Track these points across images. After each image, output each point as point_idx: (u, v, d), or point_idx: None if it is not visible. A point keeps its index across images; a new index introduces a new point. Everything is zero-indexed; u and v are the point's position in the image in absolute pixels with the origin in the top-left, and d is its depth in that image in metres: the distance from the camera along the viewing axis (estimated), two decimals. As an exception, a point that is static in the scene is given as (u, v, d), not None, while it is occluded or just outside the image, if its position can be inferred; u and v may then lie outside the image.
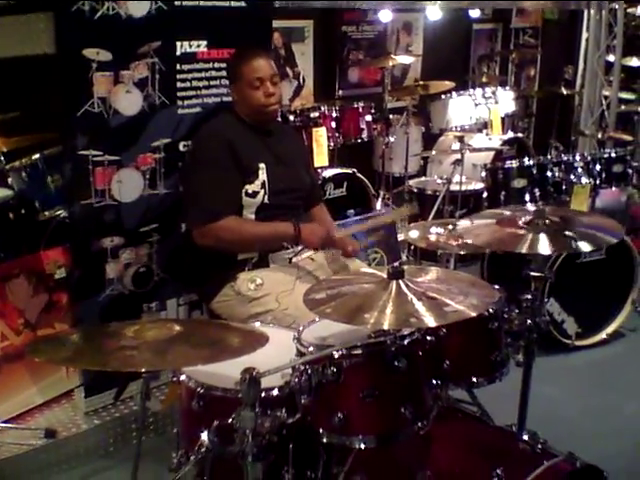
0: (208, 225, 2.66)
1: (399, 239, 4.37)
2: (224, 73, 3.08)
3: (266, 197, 2.74)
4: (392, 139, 5.28)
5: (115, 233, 2.99)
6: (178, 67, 3.01)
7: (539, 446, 1.96)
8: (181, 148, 3.07)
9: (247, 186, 2.72)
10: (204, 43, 3.06)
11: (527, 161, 4.20)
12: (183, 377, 1.95)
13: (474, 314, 1.72)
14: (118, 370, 1.65)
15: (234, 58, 2.92)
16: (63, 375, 3.16)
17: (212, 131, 2.83)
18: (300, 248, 2.79)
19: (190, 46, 3.02)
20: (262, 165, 2.75)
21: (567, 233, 2.16)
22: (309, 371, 1.82)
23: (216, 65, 3.12)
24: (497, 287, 2.18)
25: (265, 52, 2.91)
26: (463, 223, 2.41)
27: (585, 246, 2.15)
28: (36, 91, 2.96)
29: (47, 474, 2.82)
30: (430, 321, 1.67)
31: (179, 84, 3.03)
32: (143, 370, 1.71)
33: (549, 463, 1.87)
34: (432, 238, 2.80)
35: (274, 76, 2.79)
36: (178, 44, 2.98)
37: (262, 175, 2.74)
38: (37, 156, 3.28)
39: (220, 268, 2.76)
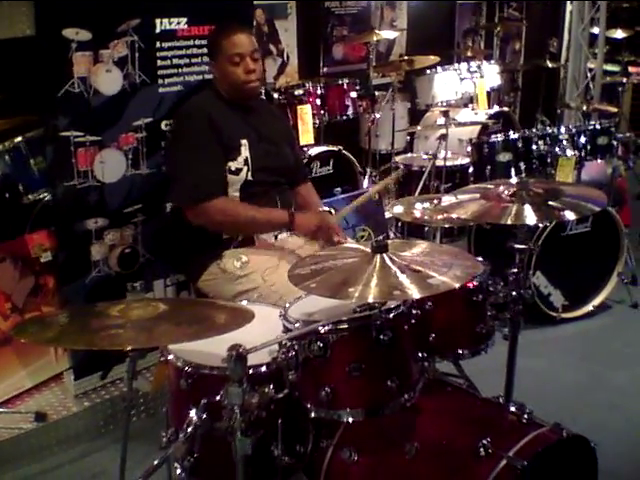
0: (200, 204, 2.65)
1: (386, 216, 4.37)
2: (205, 50, 3.05)
3: (249, 174, 2.73)
4: (378, 116, 5.27)
5: (99, 214, 2.98)
6: (158, 45, 2.98)
7: (525, 416, 1.97)
8: (163, 127, 3.05)
9: (230, 163, 2.71)
10: (184, 20, 3.03)
11: (512, 135, 4.20)
12: (171, 356, 1.95)
13: (457, 285, 1.73)
14: (104, 349, 1.65)
15: (214, 33, 2.89)
16: (52, 358, 3.17)
17: (193, 108, 2.80)
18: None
19: (170, 23, 2.99)
20: (244, 141, 2.73)
21: (551, 203, 2.16)
22: (296, 347, 1.84)
23: (197, 42, 3.09)
24: (481, 259, 2.19)
25: (246, 28, 2.87)
26: (447, 198, 2.41)
27: (570, 215, 2.16)
28: (17, 74, 2.93)
29: (38, 457, 2.82)
30: (414, 293, 1.67)
31: (159, 62, 3.00)
32: (129, 348, 1.70)
33: (535, 432, 1.89)
34: (417, 214, 2.80)
35: (255, 52, 2.75)
36: (157, 21, 2.95)
37: (244, 152, 2.72)
38: (20, 139, 3.24)
39: (205, 247, 2.76)
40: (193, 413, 1.78)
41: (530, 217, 2.14)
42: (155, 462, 1.80)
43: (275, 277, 2.61)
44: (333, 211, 3.00)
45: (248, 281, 2.67)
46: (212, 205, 2.65)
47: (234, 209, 2.71)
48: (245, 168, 2.72)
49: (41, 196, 3.21)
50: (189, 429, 1.78)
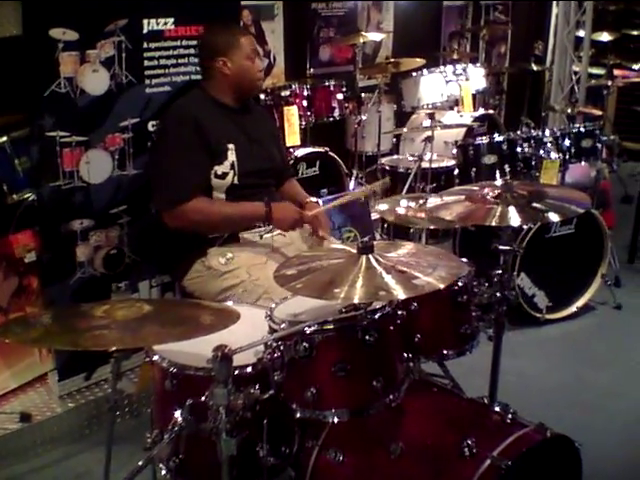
0: (177, 207, 2.64)
1: (372, 218, 4.38)
2: (192, 51, 3.05)
3: (235, 178, 2.72)
4: (364, 117, 5.27)
5: (84, 215, 2.96)
6: (145, 45, 2.97)
7: (509, 417, 1.99)
8: (150, 128, 3.04)
9: (216, 167, 2.69)
10: (172, 20, 3.03)
11: (497, 137, 4.23)
12: (156, 357, 1.95)
13: (442, 286, 1.74)
14: (88, 349, 1.65)
15: (227, 30, 2.83)
16: (36, 359, 3.15)
17: (179, 111, 2.78)
18: (271, 227, 2.79)
19: (157, 24, 2.99)
20: (231, 146, 2.72)
21: (535, 205, 2.18)
22: (281, 347, 1.84)
23: (184, 43, 3.08)
24: (466, 260, 2.20)
25: None
26: (433, 200, 2.42)
27: (554, 216, 2.19)
28: (3, 73, 2.91)
29: (22, 458, 2.81)
30: (399, 293, 1.68)
31: (146, 62, 2.99)
32: (114, 349, 1.70)
33: (519, 433, 1.90)
34: (401, 212, 2.81)
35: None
36: (145, 22, 2.95)
37: (231, 156, 2.72)
38: (4, 139, 3.21)
39: (190, 246, 2.75)
40: (178, 414, 1.79)
41: (514, 219, 2.16)
42: (140, 463, 1.79)
43: (260, 272, 2.62)
44: (320, 201, 2.99)
45: (233, 276, 2.67)
46: (188, 207, 2.63)
47: (209, 207, 2.69)
48: (231, 172, 2.71)
49: (25, 196, 3.19)
50: (174, 430, 1.78)
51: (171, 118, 2.79)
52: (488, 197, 2.27)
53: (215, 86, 2.81)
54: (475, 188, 2.43)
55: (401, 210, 2.79)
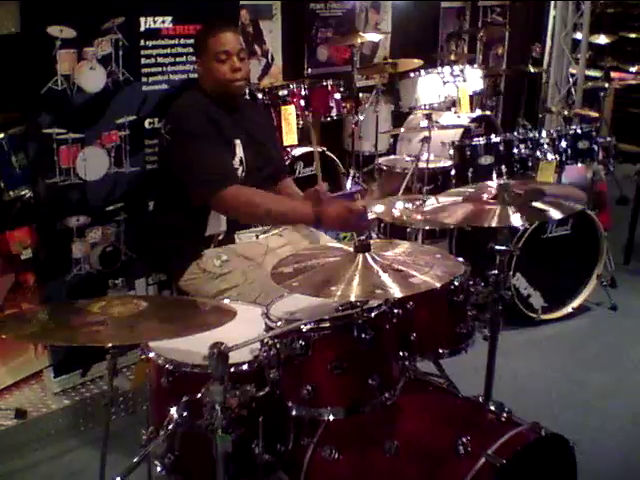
0: (223, 191, 2.54)
1: (369, 217, 4.38)
2: (190, 49, 3.05)
3: (243, 174, 2.71)
4: (361, 117, 5.28)
5: (81, 212, 2.97)
6: (142, 43, 2.98)
7: (504, 415, 1.99)
8: (146, 125, 3.05)
9: None
10: (169, 19, 3.03)
11: (494, 138, 4.23)
12: (152, 354, 1.95)
13: (438, 285, 1.74)
14: (84, 345, 1.65)
15: (201, 31, 2.85)
16: (32, 356, 3.15)
17: (190, 106, 2.71)
18: (268, 227, 2.78)
19: (155, 22, 2.99)
20: (237, 141, 2.71)
21: (535, 204, 2.19)
22: (277, 345, 1.84)
23: (182, 41, 3.09)
24: (462, 260, 2.20)
25: (233, 26, 2.84)
26: (430, 203, 2.42)
27: (555, 214, 2.18)
28: (0, 71, 2.92)
29: (18, 454, 2.81)
30: (396, 292, 1.68)
31: (143, 60, 3.00)
32: (110, 345, 1.70)
33: (514, 431, 1.91)
34: (397, 213, 2.81)
35: (241, 51, 2.72)
36: (142, 20, 2.95)
37: (239, 152, 2.70)
38: (1, 136, 3.21)
39: (186, 246, 2.74)
40: (174, 411, 1.78)
41: (516, 218, 2.16)
42: (135, 460, 1.79)
43: (255, 275, 2.61)
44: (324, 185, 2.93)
45: (228, 279, 2.66)
46: (228, 193, 2.54)
47: (251, 197, 2.58)
48: (240, 168, 2.70)
49: (22, 193, 3.19)
50: (169, 427, 1.78)
51: (184, 112, 2.71)
52: (488, 198, 2.27)
53: (204, 85, 2.78)
54: (472, 190, 2.43)
55: (397, 212, 2.79)
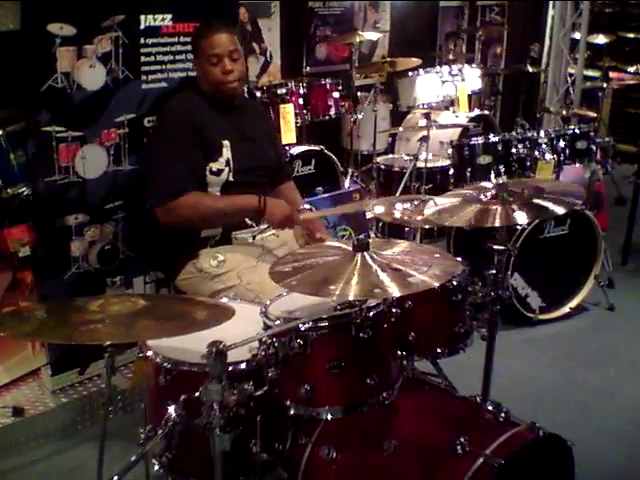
0: (168, 203, 2.60)
1: (367, 217, 4.39)
2: (190, 47, 3.04)
3: (230, 175, 2.71)
4: (360, 116, 5.28)
5: (80, 210, 2.96)
6: (142, 41, 2.97)
7: (502, 415, 2.00)
8: (146, 124, 3.04)
9: (211, 164, 2.68)
10: (169, 17, 3.03)
11: (492, 138, 4.24)
12: (150, 353, 1.95)
13: (437, 284, 1.75)
14: (82, 343, 1.65)
15: (195, 33, 2.86)
16: (30, 354, 3.14)
17: (174, 108, 2.76)
18: (264, 226, 2.79)
19: (155, 20, 2.99)
20: (226, 142, 2.71)
21: (536, 201, 2.19)
22: (276, 344, 1.84)
23: (182, 39, 3.08)
24: (460, 260, 2.21)
25: (227, 27, 2.79)
26: (429, 205, 2.41)
27: (559, 209, 2.18)
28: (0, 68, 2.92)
29: (15, 452, 2.81)
30: (394, 291, 1.68)
31: (143, 58, 2.99)
32: (108, 343, 1.70)
33: (512, 431, 1.91)
34: (397, 214, 2.81)
35: (233, 52, 2.71)
36: (142, 18, 2.94)
37: (226, 153, 2.71)
38: (0, 133, 3.22)
39: (183, 245, 2.74)
40: (172, 409, 1.79)
41: (520, 217, 2.16)
42: (133, 458, 1.79)
43: (251, 276, 2.61)
44: (314, 209, 3.00)
45: (224, 280, 2.66)
46: (180, 202, 2.60)
47: (200, 202, 2.65)
48: (226, 169, 2.70)
49: (20, 190, 3.19)
50: (167, 425, 1.78)
51: (166, 114, 2.77)
52: (486, 198, 2.27)
53: (201, 85, 2.80)
54: (469, 191, 2.43)
55: (397, 213, 2.78)
